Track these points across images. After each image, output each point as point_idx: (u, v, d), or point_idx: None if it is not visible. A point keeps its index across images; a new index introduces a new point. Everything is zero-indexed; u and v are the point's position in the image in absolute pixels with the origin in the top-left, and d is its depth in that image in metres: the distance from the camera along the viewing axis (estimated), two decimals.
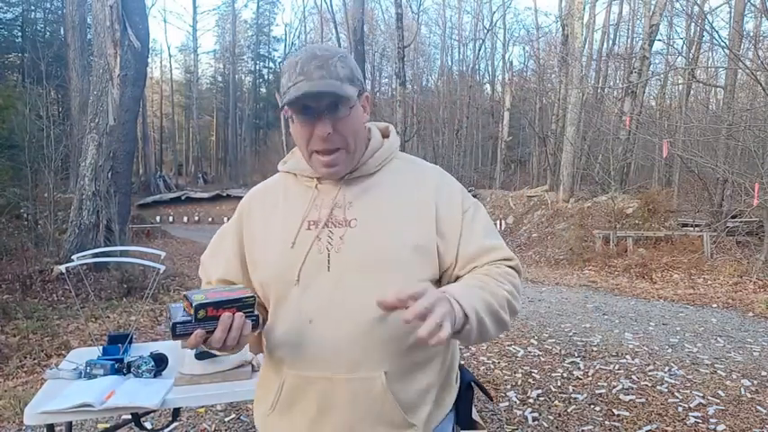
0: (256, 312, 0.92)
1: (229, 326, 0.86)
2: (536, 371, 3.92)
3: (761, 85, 8.42)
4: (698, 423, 3.03)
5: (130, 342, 2.07)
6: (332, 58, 0.97)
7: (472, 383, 1.17)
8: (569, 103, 14.05)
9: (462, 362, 1.12)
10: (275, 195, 1.11)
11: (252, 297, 0.90)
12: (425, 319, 0.77)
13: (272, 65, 40.10)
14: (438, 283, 1.04)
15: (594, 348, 4.51)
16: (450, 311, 0.82)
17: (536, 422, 3.05)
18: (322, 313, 0.98)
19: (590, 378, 3.78)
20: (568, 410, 3.20)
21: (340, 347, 0.97)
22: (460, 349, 1.19)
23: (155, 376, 1.81)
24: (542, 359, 4.22)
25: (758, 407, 3.27)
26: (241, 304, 0.89)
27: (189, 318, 0.86)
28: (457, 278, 1.03)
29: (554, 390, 3.55)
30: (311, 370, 0.99)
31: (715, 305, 6.35)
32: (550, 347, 4.53)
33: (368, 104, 1.06)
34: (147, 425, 2.76)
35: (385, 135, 1.14)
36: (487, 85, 30.72)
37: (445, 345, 0.97)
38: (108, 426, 2.83)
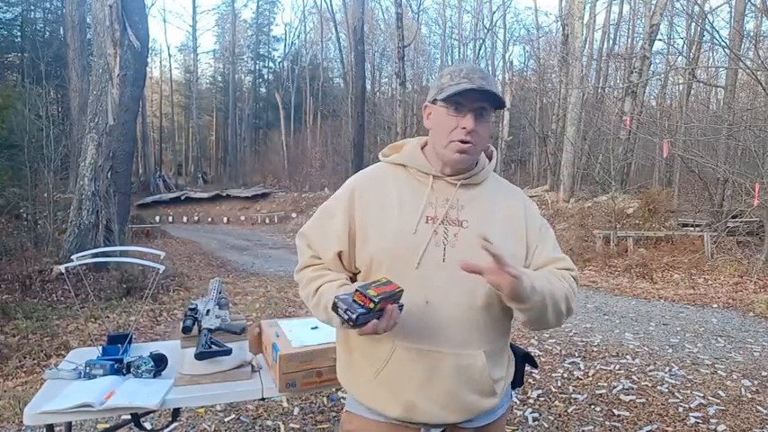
0: (402, 301, 1.09)
1: (391, 315, 1.05)
2: (536, 371, 3.91)
3: (761, 84, 8.41)
4: (698, 423, 3.03)
5: (130, 342, 2.06)
6: (490, 76, 1.19)
7: (525, 355, 1.44)
8: (569, 102, 14.04)
9: None
10: (386, 183, 1.26)
11: (401, 290, 1.07)
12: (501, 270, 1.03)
13: (271, 65, 40.11)
14: None
15: (595, 348, 4.51)
16: (521, 277, 1.05)
17: (536, 422, 3.04)
18: (438, 297, 1.16)
19: (590, 378, 3.78)
20: (569, 411, 3.20)
21: (451, 327, 1.16)
22: None
23: (154, 376, 1.81)
24: (542, 359, 4.21)
25: (758, 407, 3.26)
26: (397, 297, 1.07)
27: (366, 310, 1.01)
28: None
29: (554, 390, 3.55)
30: (425, 344, 1.16)
31: (715, 305, 6.34)
32: (551, 347, 4.53)
33: (492, 127, 1.31)
34: (147, 425, 2.75)
35: (486, 154, 1.34)
36: None
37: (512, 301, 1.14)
38: (108, 426, 2.82)
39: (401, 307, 1.08)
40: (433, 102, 1.20)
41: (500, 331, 1.24)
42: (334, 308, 1.04)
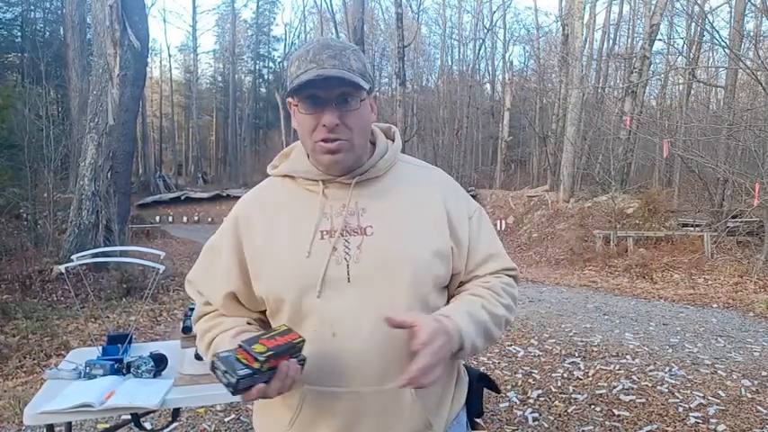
0: (304, 354, 0.90)
1: (285, 374, 0.85)
2: (536, 371, 3.91)
3: (761, 84, 8.41)
4: (698, 423, 3.03)
5: (130, 342, 2.06)
6: (345, 49, 0.95)
7: (480, 376, 1.21)
8: (569, 102, 14.05)
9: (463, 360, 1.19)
10: (274, 202, 1.05)
11: (302, 340, 0.89)
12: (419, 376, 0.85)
13: (271, 65, 40.11)
14: (452, 279, 1.06)
15: (595, 348, 4.51)
16: (444, 353, 0.88)
17: (536, 422, 3.04)
18: (346, 326, 0.95)
19: (590, 378, 3.78)
20: (569, 411, 3.20)
21: (367, 360, 0.95)
22: None
23: (154, 376, 1.81)
24: (542, 359, 4.21)
25: (758, 407, 3.26)
26: (294, 350, 0.87)
27: (250, 371, 0.81)
28: (461, 284, 1.07)
29: (554, 390, 3.55)
30: (338, 385, 0.96)
31: (715, 305, 6.34)
32: (551, 348, 4.53)
33: (375, 105, 1.03)
34: (147, 425, 2.76)
35: (389, 137, 1.11)
36: (487, 85, 30.72)
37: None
38: (108, 426, 2.83)
39: (302, 361, 0.89)
40: (291, 97, 0.97)
41: None
42: (213, 369, 0.83)
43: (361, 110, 0.97)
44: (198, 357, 1.79)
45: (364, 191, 1.01)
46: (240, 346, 0.83)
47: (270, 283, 0.99)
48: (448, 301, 1.05)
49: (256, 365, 0.81)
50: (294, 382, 0.88)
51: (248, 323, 1.05)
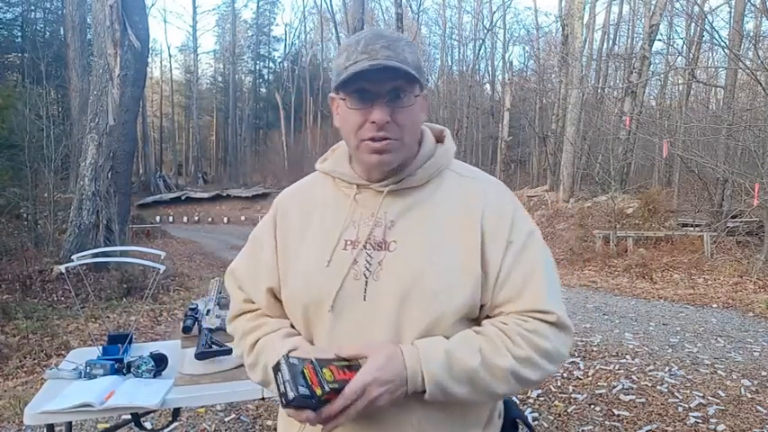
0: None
1: (335, 416, 0.79)
2: None
3: (761, 85, 8.42)
4: (698, 423, 3.03)
5: (130, 342, 2.06)
6: (400, 41, 0.87)
7: (518, 421, 1.04)
8: (569, 103, 14.05)
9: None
10: (312, 199, 0.99)
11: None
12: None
13: (271, 65, 40.15)
14: (480, 310, 0.92)
15: (594, 348, 4.51)
16: (379, 396, 0.78)
17: (536, 422, 3.05)
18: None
19: (590, 378, 3.78)
20: (568, 410, 3.20)
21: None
22: None
23: (155, 376, 1.81)
24: None
25: (758, 407, 3.27)
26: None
27: (309, 393, 0.75)
28: (487, 317, 0.93)
29: (554, 390, 3.55)
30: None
31: (715, 305, 6.35)
32: None
33: (426, 104, 0.95)
34: (147, 425, 2.76)
35: (439, 140, 1.00)
36: (487, 85, 30.73)
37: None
38: (108, 426, 2.83)
39: None
40: (337, 92, 0.89)
41: None
42: (276, 369, 0.78)
43: (415, 106, 0.88)
44: (198, 357, 1.80)
45: (397, 201, 0.92)
46: (311, 363, 0.77)
47: (290, 290, 0.95)
48: None
49: (318, 392, 0.75)
50: (336, 427, 0.80)
51: (292, 326, 0.98)
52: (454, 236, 0.90)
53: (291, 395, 0.74)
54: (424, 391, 0.81)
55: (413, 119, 0.89)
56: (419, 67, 0.88)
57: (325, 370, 0.77)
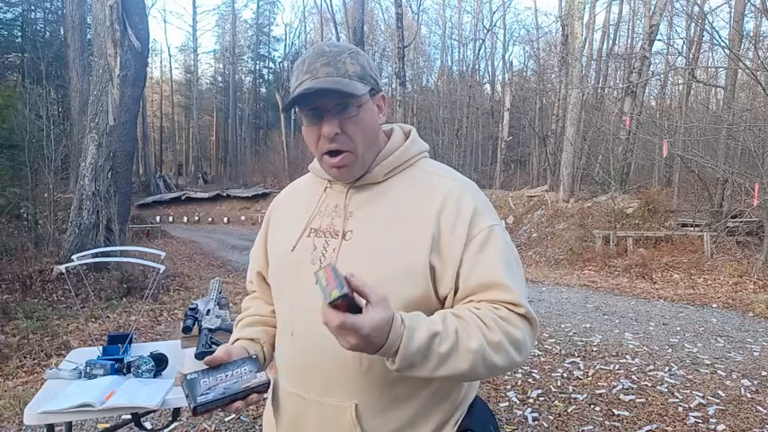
0: (265, 379, 0.91)
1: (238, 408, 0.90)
2: (536, 371, 3.92)
3: (761, 85, 8.42)
4: (698, 423, 3.04)
5: (130, 342, 2.07)
6: (341, 54, 0.92)
7: (491, 427, 1.03)
8: (569, 103, 14.05)
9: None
10: (298, 193, 1.12)
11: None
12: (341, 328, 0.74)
13: (272, 65, 40.12)
14: (441, 305, 0.94)
15: (594, 348, 4.51)
16: (365, 340, 0.76)
17: (536, 422, 3.05)
18: (303, 328, 0.95)
19: (590, 378, 3.78)
20: (568, 410, 3.20)
21: (314, 366, 0.93)
22: None
23: (155, 376, 1.81)
24: (542, 359, 4.21)
25: (758, 407, 3.27)
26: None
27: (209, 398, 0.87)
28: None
29: (554, 390, 3.55)
30: (287, 383, 1.00)
31: (715, 305, 6.35)
32: (550, 347, 4.53)
33: (384, 105, 0.99)
34: (147, 425, 2.76)
35: (404, 133, 1.05)
36: (487, 85, 30.73)
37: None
38: (108, 426, 2.83)
39: (265, 386, 0.91)
40: (294, 112, 0.98)
41: (390, 377, 0.88)
42: (181, 385, 0.89)
43: (361, 115, 0.92)
44: (198, 357, 1.80)
45: (359, 194, 0.99)
46: (332, 267, 0.79)
47: (269, 271, 1.08)
48: None
49: (335, 293, 0.75)
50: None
51: (273, 311, 1.11)
52: (404, 227, 0.93)
53: (192, 405, 0.86)
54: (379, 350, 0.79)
55: (363, 127, 0.93)
56: (364, 75, 0.93)
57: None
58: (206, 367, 0.92)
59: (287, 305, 1.01)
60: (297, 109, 0.94)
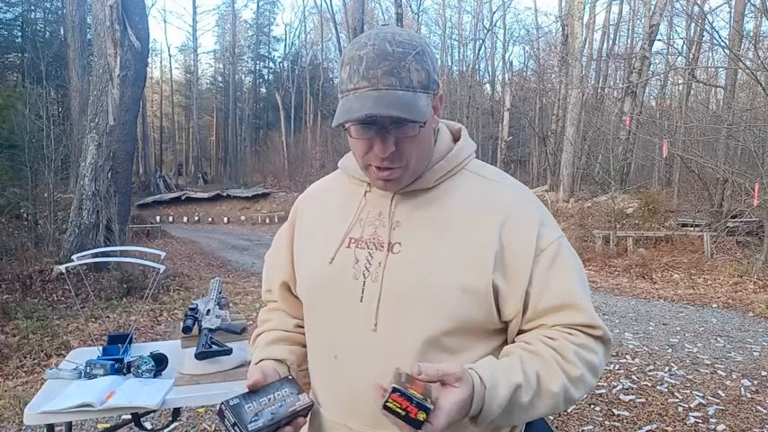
0: (308, 401, 0.86)
1: None
2: None
3: (761, 85, 8.42)
4: (698, 423, 3.04)
5: (130, 342, 2.07)
6: (405, 58, 0.79)
7: None
8: (569, 103, 14.06)
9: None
10: (329, 195, 1.00)
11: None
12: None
13: (272, 65, 40.14)
14: (504, 330, 0.88)
15: None
16: (460, 409, 0.72)
17: None
18: (349, 350, 0.86)
19: None
20: (568, 410, 3.20)
21: (362, 394, 0.84)
22: None
23: (155, 376, 1.81)
24: None
25: (758, 407, 3.27)
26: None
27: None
28: (521, 332, 0.87)
29: None
30: (331, 413, 0.90)
31: (715, 305, 6.35)
32: None
33: (440, 104, 0.88)
34: (147, 425, 2.76)
35: (456, 138, 0.95)
36: (487, 85, 30.75)
37: None
38: (108, 426, 2.83)
39: (308, 409, 0.86)
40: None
41: None
42: (220, 414, 0.81)
43: (421, 134, 0.82)
44: (198, 357, 1.80)
45: (406, 201, 0.89)
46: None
47: (300, 284, 0.97)
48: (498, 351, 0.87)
49: (421, 417, 0.72)
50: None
51: (297, 325, 1.03)
52: (464, 241, 0.84)
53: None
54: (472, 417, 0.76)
55: (420, 145, 0.84)
56: (428, 81, 0.82)
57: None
58: (244, 391, 0.85)
59: (325, 324, 0.90)
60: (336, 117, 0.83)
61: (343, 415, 0.87)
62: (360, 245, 0.88)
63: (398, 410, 0.69)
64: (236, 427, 0.79)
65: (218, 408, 0.82)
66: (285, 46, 38.77)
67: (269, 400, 0.84)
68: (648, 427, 2.98)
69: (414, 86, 0.80)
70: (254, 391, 0.85)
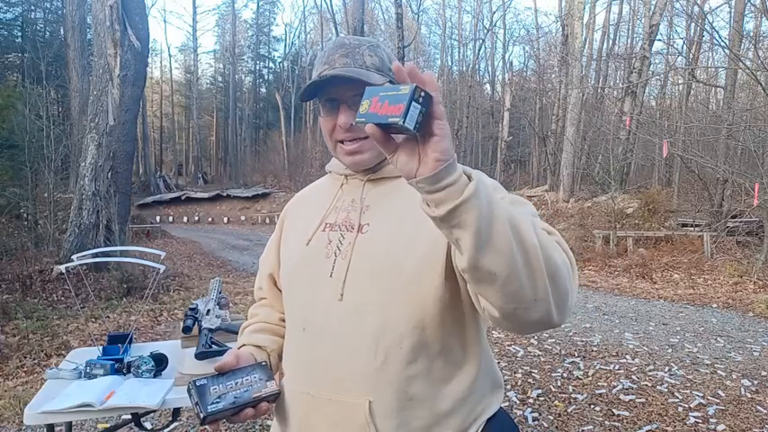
0: (275, 388, 0.93)
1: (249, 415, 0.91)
2: (536, 371, 3.92)
3: (761, 85, 8.41)
4: (698, 423, 3.04)
5: (130, 342, 2.07)
6: (360, 46, 0.94)
7: None
8: (569, 103, 14.06)
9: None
10: (315, 194, 1.09)
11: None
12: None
13: (272, 65, 40.14)
14: (457, 284, 0.86)
15: (594, 348, 4.51)
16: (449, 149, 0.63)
17: (536, 422, 3.05)
18: (315, 323, 0.92)
19: (590, 378, 3.78)
20: (568, 410, 3.20)
21: (325, 362, 0.89)
22: None
23: (155, 376, 1.81)
24: (542, 359, 4.21)
25: (758, 407, 3.27)
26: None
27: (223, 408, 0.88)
28: None
29: (554, 390, 3.55)
30: (296, 382, 0.95)
31: (715, 305, 6.35)
32: (550, 347, 4.53)
33: None
34: (147, 425, 2.76)
35: None
36: (487, 85, 30.76)
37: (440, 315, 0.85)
38: (108, 426, 2.83)
39: (275, 396, 0.93)
40: (314, 103, 1.00)
41: (407, 374, 0.86)
42: (188, 392, 0.87)
43: None
44: (198, 357, 1.79)
45: (376, 188, 0.98)
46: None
47: (281, 269, 1.06)
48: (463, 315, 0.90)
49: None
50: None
51: (282, 319, 1.09)
52: (423, 222, 0.76)
53: (202, 415, 0.84)
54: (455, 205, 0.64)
55: None
56: (382, 67, 0.93)
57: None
58: (215, 373, 0.89)
59: (297, 301, 0.98)
60: (318, 101, 0.95)
61: (306, 383, 0.92)
62: (333, 228, 0.97)
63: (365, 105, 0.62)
64: (197, 406, 0.84)
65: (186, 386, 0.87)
66: (285, 46, 38.82)
67: (236, 383, 0.89)
68: (648, 427, 2.98)
69: (366, 66, 0.92)
70: (223, 374, 0.90)
